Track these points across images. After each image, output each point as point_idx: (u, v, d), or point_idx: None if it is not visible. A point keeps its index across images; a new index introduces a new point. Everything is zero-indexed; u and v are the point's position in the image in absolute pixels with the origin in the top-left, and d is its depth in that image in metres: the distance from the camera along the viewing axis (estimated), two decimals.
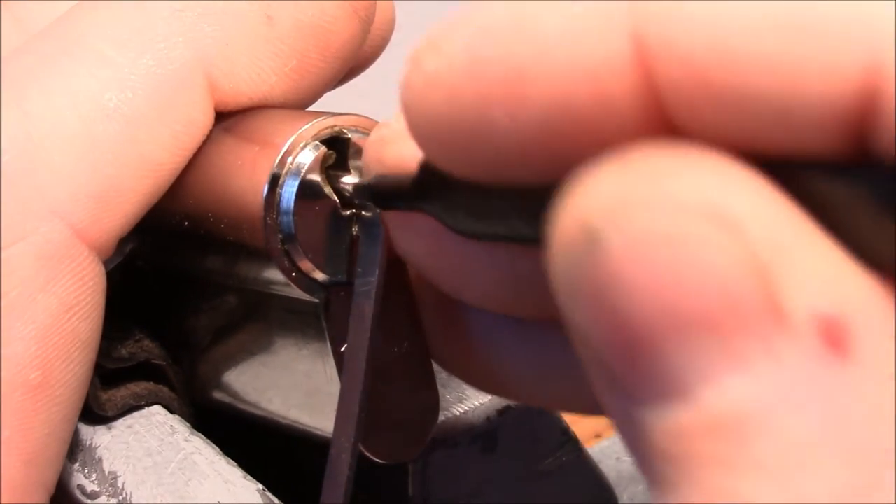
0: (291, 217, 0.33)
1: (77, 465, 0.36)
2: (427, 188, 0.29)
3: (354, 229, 0.33)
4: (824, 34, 0.20)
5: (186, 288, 0.38)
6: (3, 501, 0.32)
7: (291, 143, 0.33)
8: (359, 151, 0.33)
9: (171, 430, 0.36)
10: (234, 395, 0.38)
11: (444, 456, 0.37)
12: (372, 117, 0.34)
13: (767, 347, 0.20)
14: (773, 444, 0.20)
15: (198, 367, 0.39)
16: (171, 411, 0.38)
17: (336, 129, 0.33)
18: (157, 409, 0.38)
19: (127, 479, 0.35)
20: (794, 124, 0.21)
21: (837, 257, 0.21)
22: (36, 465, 0.33)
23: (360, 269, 0.33)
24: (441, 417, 0.36)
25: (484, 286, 0.30)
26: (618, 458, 0.47)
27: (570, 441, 0.40)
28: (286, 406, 0.37)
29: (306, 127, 0.33)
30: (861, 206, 0.21)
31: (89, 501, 0.35)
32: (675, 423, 0.21)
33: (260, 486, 0.34)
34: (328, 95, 0.38)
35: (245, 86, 0.35)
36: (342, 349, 0.33)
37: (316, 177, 0.33)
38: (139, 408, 0.37)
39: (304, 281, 0.33)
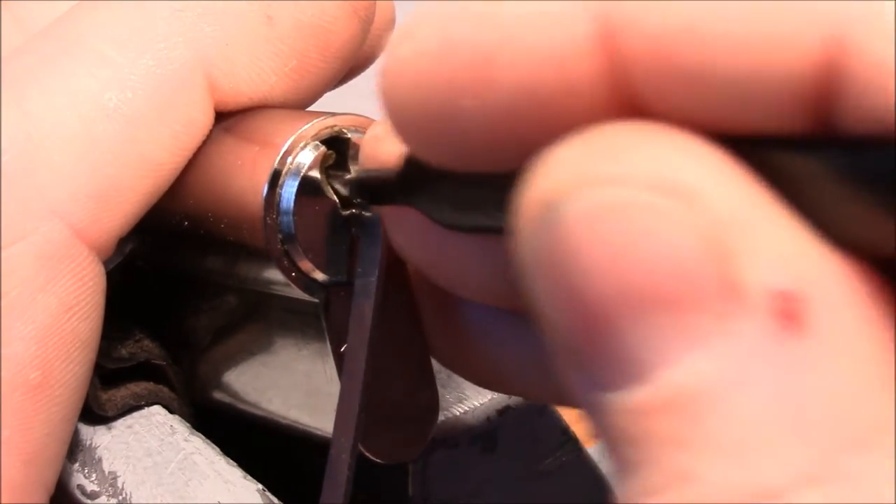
0: (291, 217, 0.33)
1: (77, 465, 0.36)
2: (411, 181, 0.29)
3: (354, 229, 0.33)
4: (784, 11, 0.20)
5: (186, 288, 0.38)
6: (2, 501, 0.32)
7: (291, 143, 0.33)
8: (359, 151, 0.33)
9: (170, 430, 0.36)
10: (234, 395, 0.38)
11: (444, 456, 0.37)
12: (372, 117, 0.34)
13: (722, 323, 0.20)
14: (728, 421, 0.20)
15: (198, 367, 0.39)
16: (171, 411, 0.38)
17: (336, 129, 0.33)
18: (157, 409, 0.38)
19: (127, 479, 0.35)
20: (757, 101, 0.21)
21: (796, 232, 0.21)
22: (35, 465, 0.33)
23: (360, 269, 0.33)
24: (441, 417, 0.36)
25: (479, 280, 0.30)
26: None
27: (570, 441, 0.40)
28: (286, 406, 0.37)
29: (306, 127, 0.33)
30: (823, 181, 0.21)
31: (89, 501, 0.35)
32: (634, 402, 0.21)
33: (260, 486, 0.34)
34: (328, 95, 0.38)
35: (245, 86, 0.35)
36: (342, 349, 0.33)
37: (316, 177, 0.33)
38: (139, 408, 0.37)
39: (304, 281, 0.33)
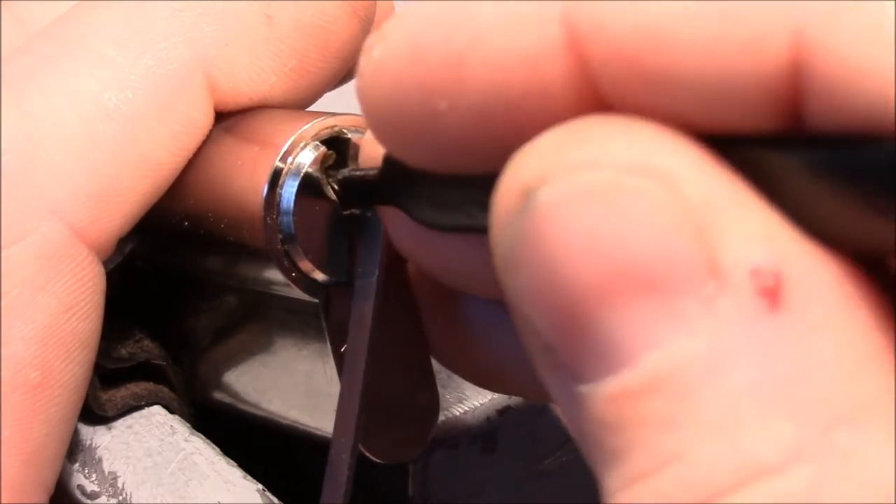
0: (291, 217, 0.33)
1: (77, 465, 0.36)
2: (391, 181, 0.29)
3: (354, 229, 0.33)
4: (748, 13, 0.21)
5: (186, 288, 0.38)
6: (2, 501, 0.32)
7: (291, 144, 0.33)
8: (359, 152, 0.33)
9: (171, 431, 0.36)
10: (235, 395, 0.38)
11: (444, 456, 0.37)
12: None
13: (705, 304, 0.20)
14: (715, 399, 0.20)
15: (198, 367, 0.39)
16: (171, 411, 0.38)
17: (336, 129, 0.33)
18: (157, 409, 0.38)
19: (127, 480, 0.35)
20: (726, 102, 0.21)
21: (769, 215, 0.21)
22: (35, 465, 0.33)
23: (360, 269, 0.33)
24: (441, 417, 0.36)
25: (481, 275, 0.30)
26: None
27: (570, 441, 0.40)
28: (286, 406, 0.37)
29: (306, 127, 0.33)
30: (797, 177, 0.21)
31: (89, 501, 0.35)
32: (616, 389, 0.21)
33: (260, 486, 0.34)
34: (328, 95, 0.38)
35: (245, 86, 0.35)
36: (342, 349, 0.33)
37: (316, 177, 0.33)
38: (139, 408, 0.37)
39: (304, 281, 0.33)
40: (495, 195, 0.22)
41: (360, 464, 0.32)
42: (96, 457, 0.36)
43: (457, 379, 0.37)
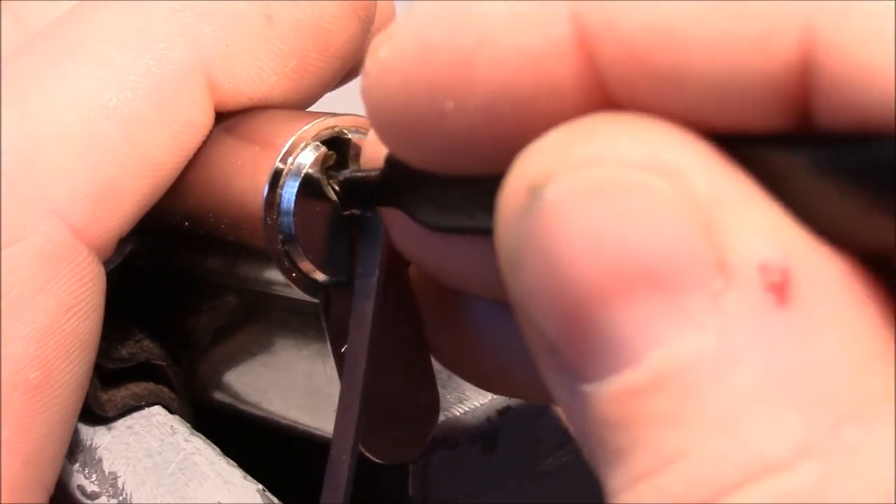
0: (291, 217, 0.33)
1: (77, 465, 0.36)
2: (394, 183, 0.29)
3: (354, 229, 0.33)
4: (757, 11, 0.21)
5: (186, 288, 0.38)
6: (2, 501, 0.32)
7: (292, 144, 0.33)
8: (359, 152, 0.33)
9: (171, 431, 0.36)
10: (235, 395, 0.38)
11: (444, 456, 0.37)
12: None
13: (713, 299, 0.20)
14: (721, 395, 0.20)
15: (198, 367, 0.39)
16: (171, 412, 0.38)
17: (336, 129, 0.33)
18: (157, 409, 0.38)
19: (127, 480, 0.35)
20: (734, 101, 0.21)
21: (776, 211, 0.21)
22: (34, 466, 0.33)
23: (360, 269, 0.33)
24: (441, 418, 0.36)
25: (483, 275, 0.30)
26: None
27: (570, 441, 0.40)
28: (286, 406, 0.37)
29: (306, 127, 0.33)
30: (806, 176, 0.21)
31: (89, 502, 0.35)
32: (621, 387, 0.21)
33: (260, 486, 0.34)
34: (328, 95, 0.38)
35: (245, 86, 0.35)
36: (342, 349, 0.33)
37: (316, 177, 0.33)
38: (139, 408, 0.37)
39: (304, 281, 0.33)
40: (501, 193, 0.22)
41: (360, 464, 0.32)
42: (96, 457, 0.36)
43: (457, 379, 0.37)
